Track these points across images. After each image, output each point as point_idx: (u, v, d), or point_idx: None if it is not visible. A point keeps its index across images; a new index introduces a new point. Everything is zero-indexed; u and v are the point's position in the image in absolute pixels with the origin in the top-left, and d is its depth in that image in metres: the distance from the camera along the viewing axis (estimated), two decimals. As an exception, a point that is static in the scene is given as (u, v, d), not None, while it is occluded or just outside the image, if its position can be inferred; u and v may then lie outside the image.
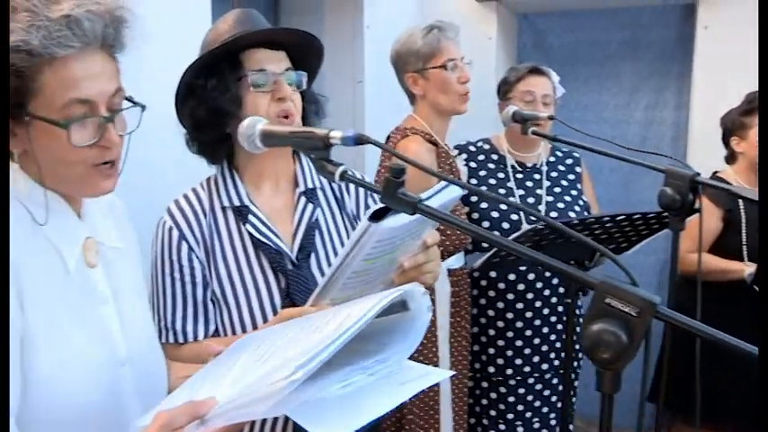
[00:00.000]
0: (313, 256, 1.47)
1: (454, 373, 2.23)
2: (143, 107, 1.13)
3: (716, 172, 2.84)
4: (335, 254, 1.51)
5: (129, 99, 1.12)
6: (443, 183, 1.15)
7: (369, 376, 0.96)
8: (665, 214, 1.63)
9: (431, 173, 1.03)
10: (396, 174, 0.90)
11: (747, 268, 2.57)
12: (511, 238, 1.90)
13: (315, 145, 1.00)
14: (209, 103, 1.42)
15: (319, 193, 1.55)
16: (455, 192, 1.18)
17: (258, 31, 1.43)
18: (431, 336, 2.18)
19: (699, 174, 1.53)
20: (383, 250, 1.15)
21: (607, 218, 1.91)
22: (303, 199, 1.51)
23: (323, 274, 1.46)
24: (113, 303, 1.17)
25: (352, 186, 1.60)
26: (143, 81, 1.18)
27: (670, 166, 1.58)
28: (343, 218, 1.57)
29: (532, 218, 2.38)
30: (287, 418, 1.42)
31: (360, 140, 0.95)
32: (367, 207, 1.59)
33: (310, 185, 1.53)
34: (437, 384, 2.18)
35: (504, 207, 2.40)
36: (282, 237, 1.47)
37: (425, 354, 2.16)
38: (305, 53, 1.52)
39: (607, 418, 0.88)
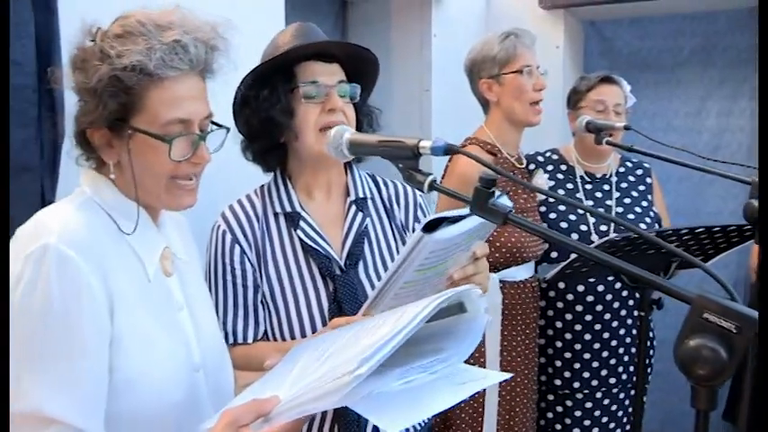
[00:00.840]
0: (361, 262, 1.51)
1: (512, 375, 2.19)
2: (228, 129, 1.21)
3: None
4: (383, 262, 1.54)
5: (215, 123, 1.19)
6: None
7: (429, 375, 0.97)
8: (747, 227, 1.58)
9: (501, 173, 1.01)
10: (486, 184, 0.91)
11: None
12: (600, 242, 1.88)
13: (404, 154, 1.01)
14: (261, 113, 1.47)
15: (369, 202, 1.58)
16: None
17: (309, 44, 1.47)
18: (479, 346, 2.15)
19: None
20: (435, 261, 1.17)
21: (685, 230, 1.86)
22: (353, 207, 1.54)
23: (370, 280, 1.50)
24: (187, 311, 1.22)
25: (401, 198, 1.63)
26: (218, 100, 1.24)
27: (755, 177, 1.53)
28: (392, 228, 1.60)
29: (602, 228, 2.34)
30: (333, 420, 1.46)
31: (449, 150, 0.96)
32: (416, 219, 1.62)
33: (361, 195, 1.57)
34: (484, 390, 2.16)
35: (573, 218, 2.36)
36: (332, 243, 1.51)
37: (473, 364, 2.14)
38: (359, 66, 1.55)
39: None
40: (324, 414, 1.47)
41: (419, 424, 1.59)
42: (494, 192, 0.92)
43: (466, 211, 1.06)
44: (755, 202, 1.48)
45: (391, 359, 0.87)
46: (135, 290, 1.12)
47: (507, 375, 1.03)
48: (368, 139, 1.15)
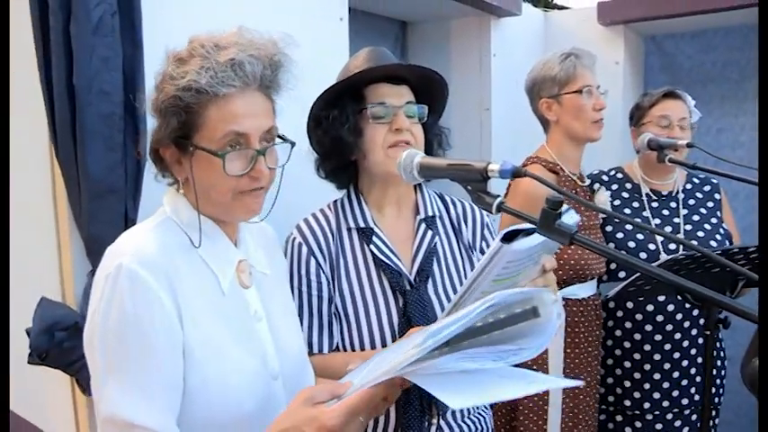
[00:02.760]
0: (430, 279, 1.55)
1: (583, 383, 2.18)
2: (293, 144, 1.24)
3: None
4: (450, 279, 1.58)
5: (281, 137, 1.23)
6: (563, 208, 1.17)
7: (498, 363, 0.99)
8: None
9: (565, 194, 1.03)
10: (553, 205, 0.94)
11: None
12: (663, 261, 1.86)
13: (472, 177, 1.05)
14: (331, 132, 1.53)
15: (438, 221, 1.63)
16: (573, 218, 1.19)
17: (377, 67, 1.52)
18: (542, 362, 2.15)
19: None
20: (510, 272, 1.19)
21: (753, 248, 1.83)
22: (423, 225, 1.59)
23: (438, 297, 1.53)
24: (266, 321, 1.27)
25: (469, 217, 1.67)
26: (288, 118, 1.30)
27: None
28: (459, 246, 1.63)
29: (671, 247, 2.31)
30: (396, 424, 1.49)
31: (517, 173, 0.99)
32: (483, 239, 1.65)
33: (430, 213, 1.61)
34: (547, 403, 2.15)
35: (640, 237, 2.33)
36: (403, 259, 1.55)
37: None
38: (428, 87, 1.60)
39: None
40: (387, 418, 1.51)
41: (482, 421, 1.63)
42: (560, 213, 0.94)
43: (525, 226, 1.09)
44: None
45: (464, 345, 0.91)
46: (207, 303, 1.17)
47: (577, 382, 1.05)
48: (437, 163, 1.19)
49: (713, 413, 2.38)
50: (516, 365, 1.01)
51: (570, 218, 1.18)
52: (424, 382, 0.91)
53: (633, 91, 3.53)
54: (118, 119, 1.49)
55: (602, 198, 2.35)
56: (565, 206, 1.15)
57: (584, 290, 2.25)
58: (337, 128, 1.52)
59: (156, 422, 1.06)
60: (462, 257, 1.63)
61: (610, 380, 2.40)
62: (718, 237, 2.36)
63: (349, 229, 1.58)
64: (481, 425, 1.64)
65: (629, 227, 2.36)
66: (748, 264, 1.90)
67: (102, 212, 1.52)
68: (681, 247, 2.30)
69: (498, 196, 1.02)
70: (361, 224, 1.58)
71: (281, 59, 1.21)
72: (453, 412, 1.57)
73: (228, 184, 1.16)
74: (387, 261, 1.53)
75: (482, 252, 1.64)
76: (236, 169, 1.15)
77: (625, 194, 2.45)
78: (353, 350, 1.53)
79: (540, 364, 2.13)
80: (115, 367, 1.07)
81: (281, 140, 1.22)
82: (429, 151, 1.60)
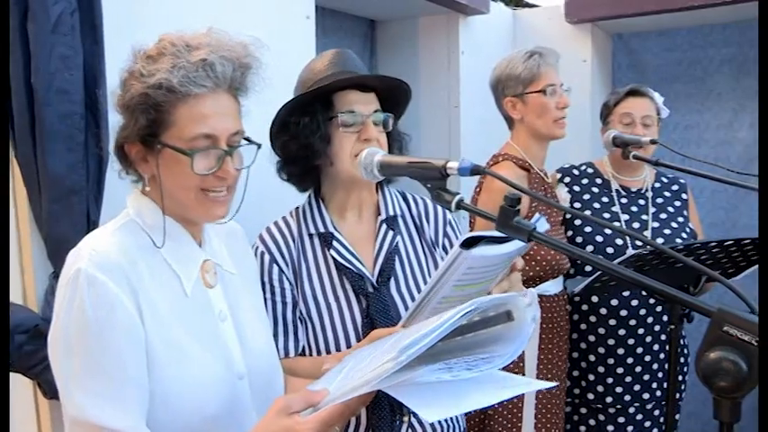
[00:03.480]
0: (392, 279, 1.56)
1: (556, 384, 2.21)
2: (259, 146, 1.25)
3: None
4: (414, 279, 1.59)
5: (247, 138, 1.23)
6: (536, 217, 1.18)
7: (472, 372, 1.00)
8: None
9: (533, 195, 1.06)
10: (511, 203, 0.95)
11: None
12: (616, 261, 1.89)
13: (432, 175, 1.06)
14: (300, 139, 1.53)
15: (400, 220, 1.64)
16: (543, 227, 1.19)
17: (351, 77, 1.52)
18: (519, 357, 2.17)
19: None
20: (475, 279, 1.20)
21: (714, 243, 1.86)
22: (384, 226, 1.60)
23: (402, 297, 1.55)
24: (231, 321, 1.27)
25: (431, 214, 1.68)
26: (253, 117, 1.30)
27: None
28: (422, 244, 1.65)
29: (638, 243, 2.35)
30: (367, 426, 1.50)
31: (475, 170, 1.00)
32: (445, 235, 1.66)
33: (391, 213, 1.62)
34: (522, 401, 2.18)
35: (608, 231, 2.37)
36: (364, 261, 1.56)
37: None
38: (394, 96, 1.61)
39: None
40: (358, 420, 1.52)
41: (455, 418, 1.64)
42: (518, 210, 0.95)
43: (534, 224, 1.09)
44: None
45: (438, 353, 0.92)
46: (169, 304, 1.17)
47: (550, 384, 1.06)
48: (398, 161, 1.20)
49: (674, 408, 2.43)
50: None
51: (541, 226, 1.20)
52: (400, 395, 0.93)
53: (601, 88, 3.57)
54: (78, 118, 1.47)
55: (561, 194, 2.38)
56: (537, 215, 1.16)
57: (553, 286, 2.28)
58: (308, 135, 1.52)
59: (124, 424, 1.06)
60: (425, 255, 1.64)
61: (575, 372, 2.44)
62: (683, 235, 2.41)
63: (310, 235, 1.59)
64: (454, 422, 1.66)
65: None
66: (710, 259, 1.94)
67: (63, 213, 1.50)
68: (646, 242, 2.34)
69: (458, 194, 1.03)
70: (321, 229, 1.59)
71: (250, 62, 1.21)
72: None
73: (194, 182, 1.16)
74: (347, 265, 1.54)
75: (445, 250, 1.65)
76: (204, 168, 1.15)
77: (595, 189, 2.49)
78: (319, 353, 1.54)
79: (515, 364, 2.16)
80: (80, 371, 1.07)
81: (246, 142, 1.23)
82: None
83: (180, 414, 1.13)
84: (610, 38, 3.81)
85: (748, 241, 1.86)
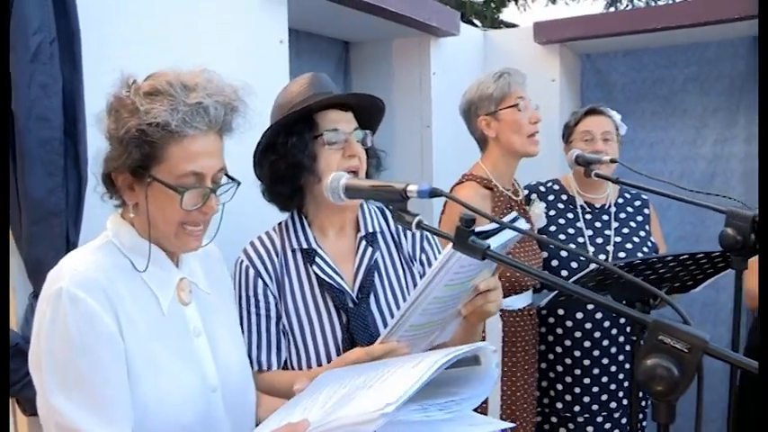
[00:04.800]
0: (372, 295, 1.62)
1: (513, 425, 2.28)
2: (238, 183, 1.33)
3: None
4: (393, 294, 1.65)
5: (228, 176, 1.31)
6: (512, 215, 1.27)
7: (445, 413, 1.11)
8: (727, 253, 1.68)
9: (487, 216, 1.12)
10: (466, 223, 1.02)
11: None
12: (576, 276, 1.97)
13: (394, 197, 1.13)
14: (289, 158, 1.59)
15: (379, 236, 1.70)
16: (513, 233, 1.28)
17: (337, 96, 1.60)
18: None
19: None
20: (462, 277, 1.28)
21: (670, 257, 1.95)
22: (364, 243, 1.66)
23: (381, 312, 1.61)
24: (206, 337, 1.33)
25: (409, 230, 1.72)
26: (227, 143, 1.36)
27: (732, 207, 1.64)
28: (401, 260, 1.71)
29: (601, 257, 2.43)
30: None
31: (433, 193, 1.07)
32: (422, 250, 1.72)
33: (371, 230, 1.68)
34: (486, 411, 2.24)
35: (573, 246, 2.45)
36: (345, 277, 1.62)
37: None
38: (369, 113, 1.69)
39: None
40: None
41: None
42: (473, 230, 1.03)
43: (494, 226, 1.19)
44: (730, 230, 1.58)
45: (413, 399, 1.02)
46: (147, 322, 1.23)
47: (510, 425, 1.13)
48: (362, 185, 1.27)
49: (641, 416, 2.51)
50: None
51: (521, 224, 1.28)
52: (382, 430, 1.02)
53: (570, 107, 3.66)
54: (58, 143, 1.52)
55: (537, 210, 2.46)
56: (514, 213, 1.23)
57: (519, 300, 2.34)
58: (296, 153, 1.57)
59: (111, 431, 1.12)
60: (404, 270, 1.70)
61: (544, 383, 2.51)
62: (645, 249, 2.50)
63: (293, 251, 1.64)
64: None
65: (562, 236, 2.49)
66: (668, 272, 2.03)
67: (43, 235, 1.54)
68: (610, 256, 2.43)
69: (418, 215, 1.10)
70: (304, 245, 1.63)
71: (239, 105, 1.29)
72: None
73: (179, 216, 1.24)
74: (329, 280, 1.59)
75: (422, 264, 1.70)
76: (191, 204, 1.23)
77: (561, 205, 2.57)
78: (300, 367, 1.59)
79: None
80: (65, 385, 1.12)
81: (228, 180, 1.31)
82: (368, 173, 1.67)
83: (157, 424, 1.19)
84: (578, 58, 3.93)
85: (702, 255, 1.95)
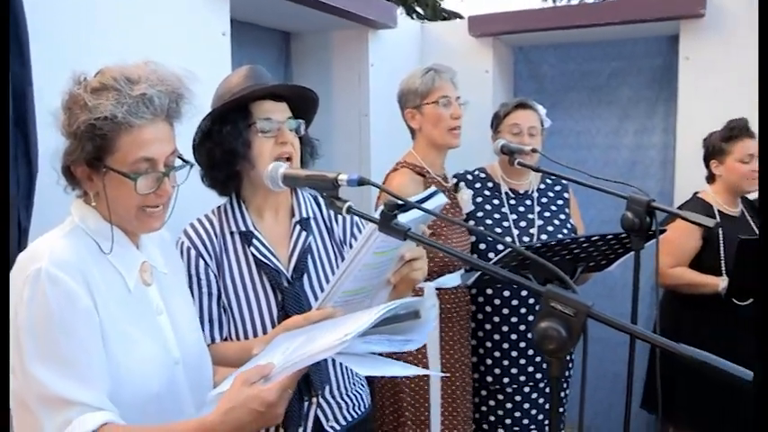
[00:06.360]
0: (306, 276, 1.75)
1: (442, 374, 2.46)
2: (191, 165, 1.43)
3: (696, 192, 3.05)
4: (325, 275, 1.78)
5: (181, 158, 1.41)
6: (430, 191, 1.41)
7: (388, 346, 1.28)
8: (628, 234, 1.88)
9: (407, 202, 1.25)
10: (389, 208, 1.16)
11: (722, 282, 2.79)
12: (497, 257, 2.15)
13: (326, 186, 1.26)
14: (224, 145, 1.70)
15: (312, 222, 1.83)
16: (441, 200, 1.43)
17: (267, 87, 1.71)
18: (422, 347, 2.40)
19: (654, 200, 1.77)
20: (392, 244, 1.40)
21: (583, 238, 2.14)
22: (298, 227, 1.79)
23: (314, 291, 1.74)
24: (167, 314, 1.45)
25: (340, 216, 1.87)
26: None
27: (632, 193, 1.83)
28: (332, 244, 1.84)
29: (524, 240, 2.62)
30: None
31: (361, 182, 1.21)
32: (353, 235, 1.87)
33: (305, 215, 1.81)
34: (428, 389, 2.43)
35: (498, 230, 2.63)
36: (280, 259, 1.74)
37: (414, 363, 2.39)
38: (303, 104, 1.80)
39: (555, 399, 1.12)
40: None
41: (361, 408, 1.86)
42: (396, 215, 1.17)
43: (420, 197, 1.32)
44: (629, 214, 1.77)
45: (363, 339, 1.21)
46: (116, 299, 1.34)
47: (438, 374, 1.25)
48: (298, 173, 1.40)
49: (564, 385, 2.72)
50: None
51: (440, 199, 1.41)
52: (341, 359, 1.21)
53: (503, 97, 3.82)
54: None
55: (465, 196, 2.63)
56: (433, 188, 1.35)
57: (453, 280, 2.49)
58: (230, 141, 1.68)
59: (89, 397, 1.21)
60: (335, 254, 1.83)
61: (474, 359, 2.68)
62: (564, 230, 2.69)
63: (232, 233, 1.75)
64: (359, 400, 1.86)
65: (488, 221, 2.66)
66: (583, 252, 2.22)
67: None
68: (535, 238, 2.62)
69: (348, 201, 1.24)
70: (243, 228, 1.75)
71: (183, 93, 1.38)
72: (331, 390, 1.77)
73: (136, 201, 1.33)
74: (266, 261, 1.72)
75: (351, 247, 1.82)
76: (145, 189, 1.32)
77: (487, 192, 2.74)
78: (239, 340, 1.71)
79: (421, 357, 2.39)
80: (46, 358, 1.21)
81: (180, 162, 1.40)
82: (303, 160, 1.79)
83: (127, 392, 1.30)
84: (511, 50, 4.10)
85: (611, 236, 2.14)
